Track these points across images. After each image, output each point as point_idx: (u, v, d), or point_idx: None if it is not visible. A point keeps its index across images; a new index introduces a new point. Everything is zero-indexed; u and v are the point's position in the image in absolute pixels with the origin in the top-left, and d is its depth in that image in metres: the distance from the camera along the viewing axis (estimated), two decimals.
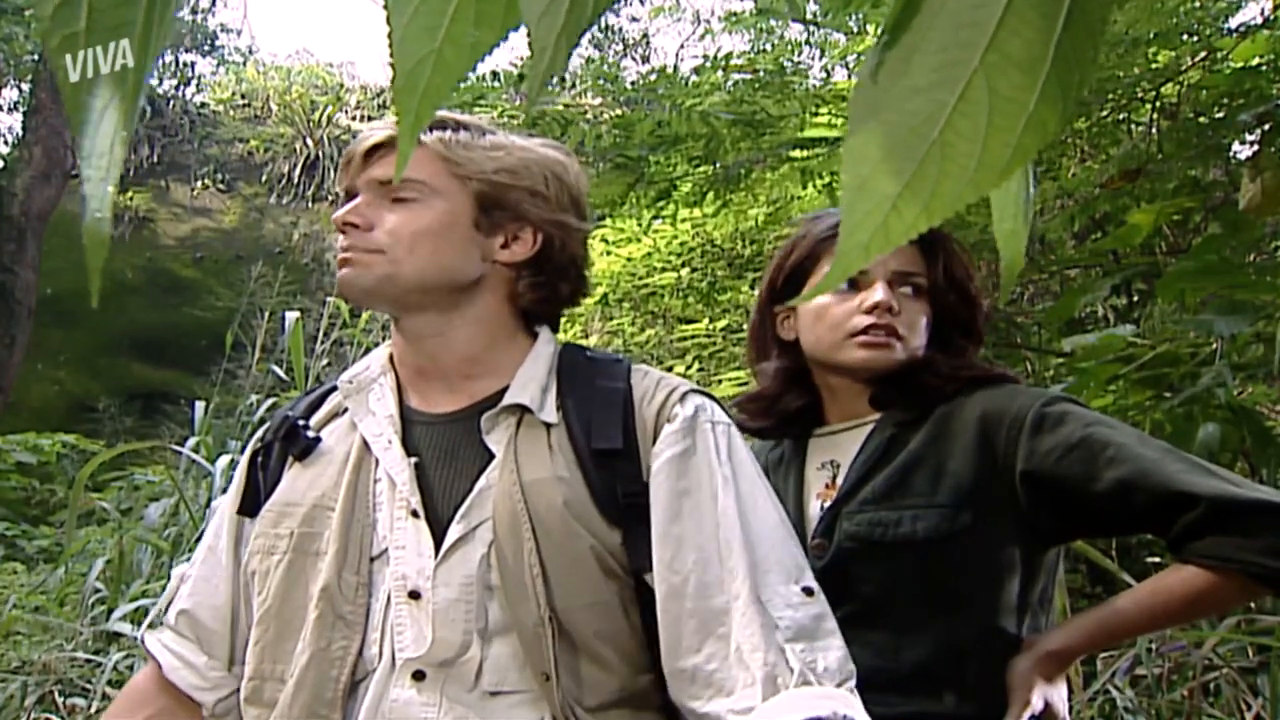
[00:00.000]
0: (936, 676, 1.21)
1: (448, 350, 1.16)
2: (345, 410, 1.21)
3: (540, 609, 1.03)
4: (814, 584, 1.06)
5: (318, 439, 1.19)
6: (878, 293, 1.30)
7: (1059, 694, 1.20)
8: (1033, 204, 0.41)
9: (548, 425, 1.11)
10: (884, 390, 1.34)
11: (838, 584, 1.25)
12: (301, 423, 1.21)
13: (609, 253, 4.98)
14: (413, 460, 1.13)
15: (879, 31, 0.34)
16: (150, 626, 1.22)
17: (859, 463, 1.31)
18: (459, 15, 0.34)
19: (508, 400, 1.12)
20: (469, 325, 1.16)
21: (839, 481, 1.32)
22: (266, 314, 7.42)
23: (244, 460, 1.26)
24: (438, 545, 1.08)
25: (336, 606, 1.08)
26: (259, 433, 1.28)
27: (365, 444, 1.15)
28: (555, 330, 1.24)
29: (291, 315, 3.79)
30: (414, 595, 1.07)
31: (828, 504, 1.31)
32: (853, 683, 1.02)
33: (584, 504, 1.07)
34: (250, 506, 1.21)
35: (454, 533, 1.08)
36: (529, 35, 0.35)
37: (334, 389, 1.24)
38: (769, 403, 1.41)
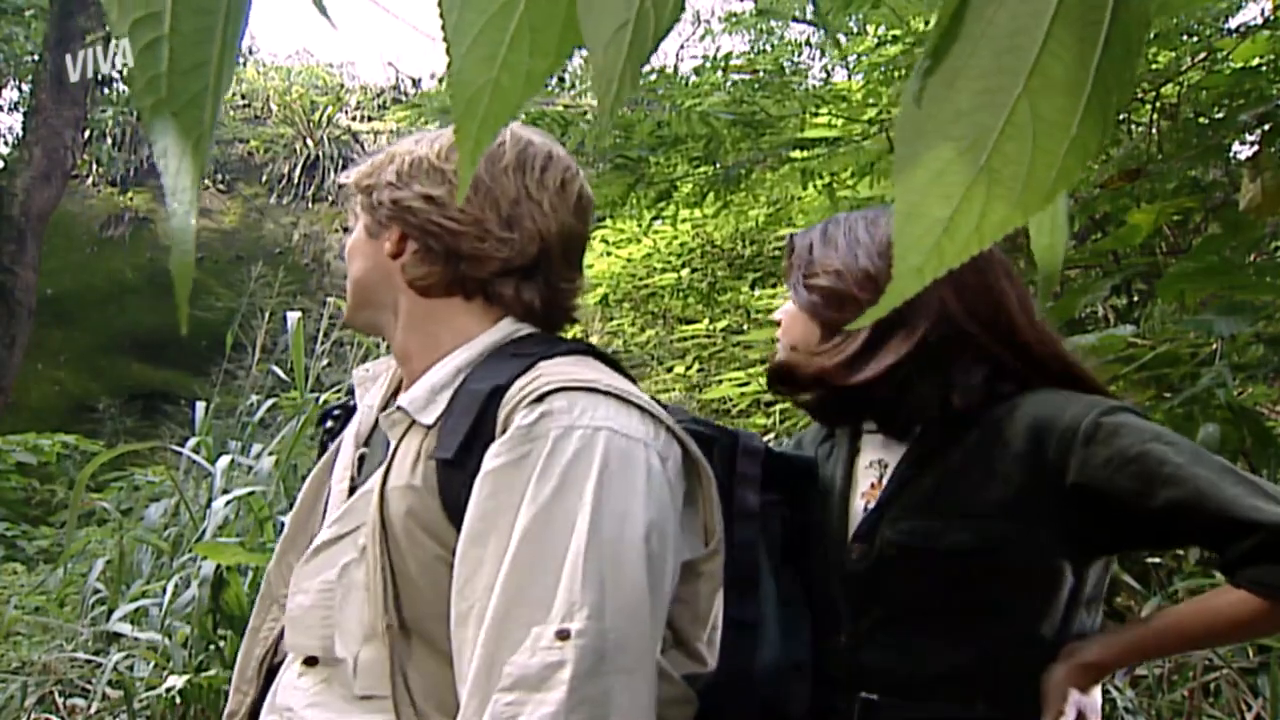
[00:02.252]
0: (969, 683, 1.19)
1: (401, 351, 1.16)
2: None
3: (387, 617, 1.01)
4: (579, 626, 0.91)
5: (332, 428, 1.25)
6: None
7: (1093, 705, 1.18)
8: (1072, 224, 0.41)
9: (428, 429, 1.07)
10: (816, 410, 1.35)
11: (875, 588, 1.24)
12: (336, 411, 1.27)
13: (609, 253, 4.98)
14: (360, 452, 1.16)
15: (921, 57, 0.35)
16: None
17: (904, 466, 1.27)
18: (515, 44, 0.35)
19: (399, 400, 1.10)
20: (421, 330, 1.14)
21: (884, 482, 1.29)
22: (267, 314, 7.42)
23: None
24: None
25: (273, 589, 1.14)
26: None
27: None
28: (559, 328, 1.18)
29: (292, 315, 3.78)
30: None
31: (871, 505, 1.28)
32: None
33: (432, 513, 1.02)
34: None
35: (322, 535, 1.09)
36: (594, 64, 0.36)
37: None
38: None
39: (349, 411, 1.25)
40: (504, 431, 1.00)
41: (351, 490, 1.13)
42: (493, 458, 0.99)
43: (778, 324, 1.40)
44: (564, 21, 0.35)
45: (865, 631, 1.24)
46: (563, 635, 0.90)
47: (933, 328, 1.25)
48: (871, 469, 1.31)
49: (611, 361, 1.14)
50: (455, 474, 1.01)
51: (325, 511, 1.15)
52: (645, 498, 0.98)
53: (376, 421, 1.18)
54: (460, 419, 1.03)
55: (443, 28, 0.35)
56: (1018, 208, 0.35)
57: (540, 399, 1.00)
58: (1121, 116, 3.21)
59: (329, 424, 1.29)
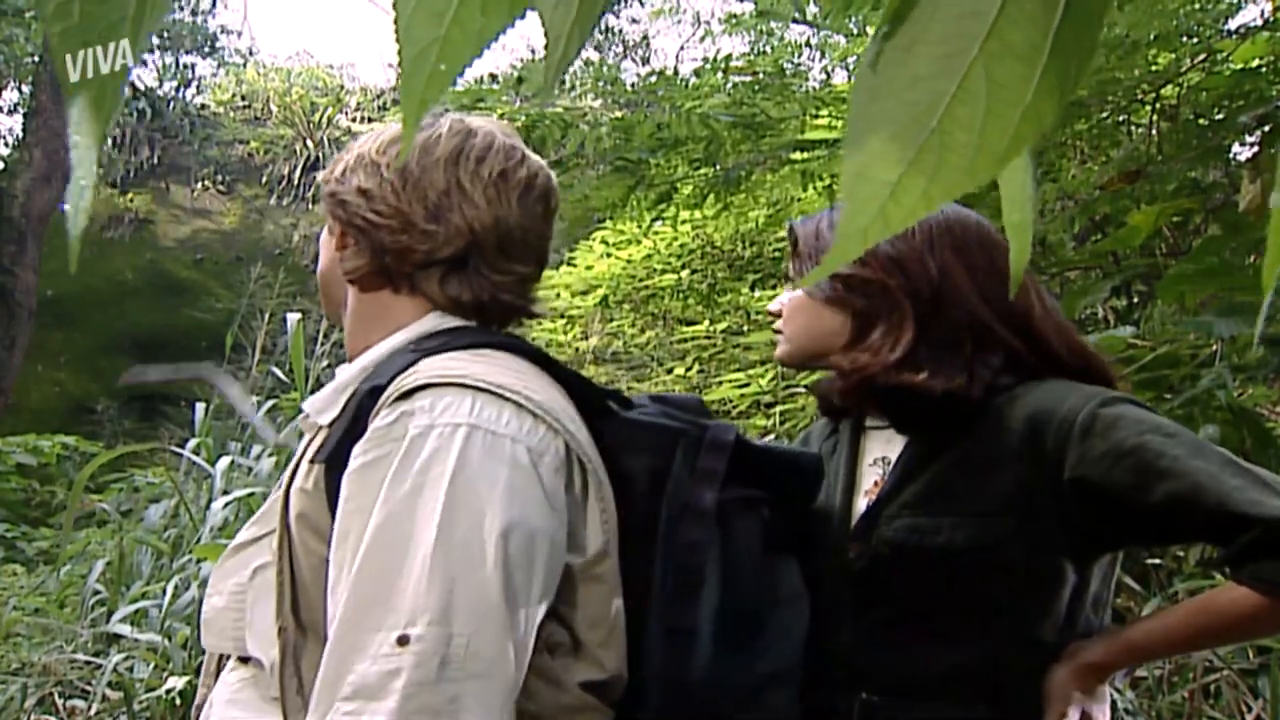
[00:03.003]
0: (970, 684, 1.17)
1: (347, 343, 1.18)
2: None
3: (280, 619, 1.01)
4: (419, 631, 0.87)
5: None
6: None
7: (1099, 706, 1.16)
8: (1038, 199, 0.41)
9: (328, 429, 1.06)
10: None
11: (873, 588, 1.22)
12: None
13: (609, 255, 4.98)
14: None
15: (879, 21, 0.35)
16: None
17: (901, 464, 1.24)
18: (465, 2, 0.35)
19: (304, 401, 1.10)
20: (353, 329, 1.15)
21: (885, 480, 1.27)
22: (266, 315, 7.42)
23: None
24: None
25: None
26: None
27: None
28: (490, 316, 1.14)
29: (292, 317, 3.78)
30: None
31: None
32: None
33: (321, 515, 1.00)
34: None
35: (240, 536, 1.10)
36: (543, 23, 0.35)
37: None
38: (824, 380, 1.37)
39: None
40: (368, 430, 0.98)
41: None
42: (354, 459, 0.96)
43: (774, 315, 1.35)
44: None
45: (865, 632, 1.22)
46: (403, 641, 0.87)
47: (964, 317, 1.22)
48: (875, 467, 1.29)
49: (536, 355, 1.10)
50: (335, 476, 0.98)
51: None
52: (506, 495, 0.93)
53: None
54: (341, 420, 1.01)
55: None
56: (968, 173, 0.34)
57: (403, 397, 0.96)
58: (1121, 118, 3.21)
59: None
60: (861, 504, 1.27)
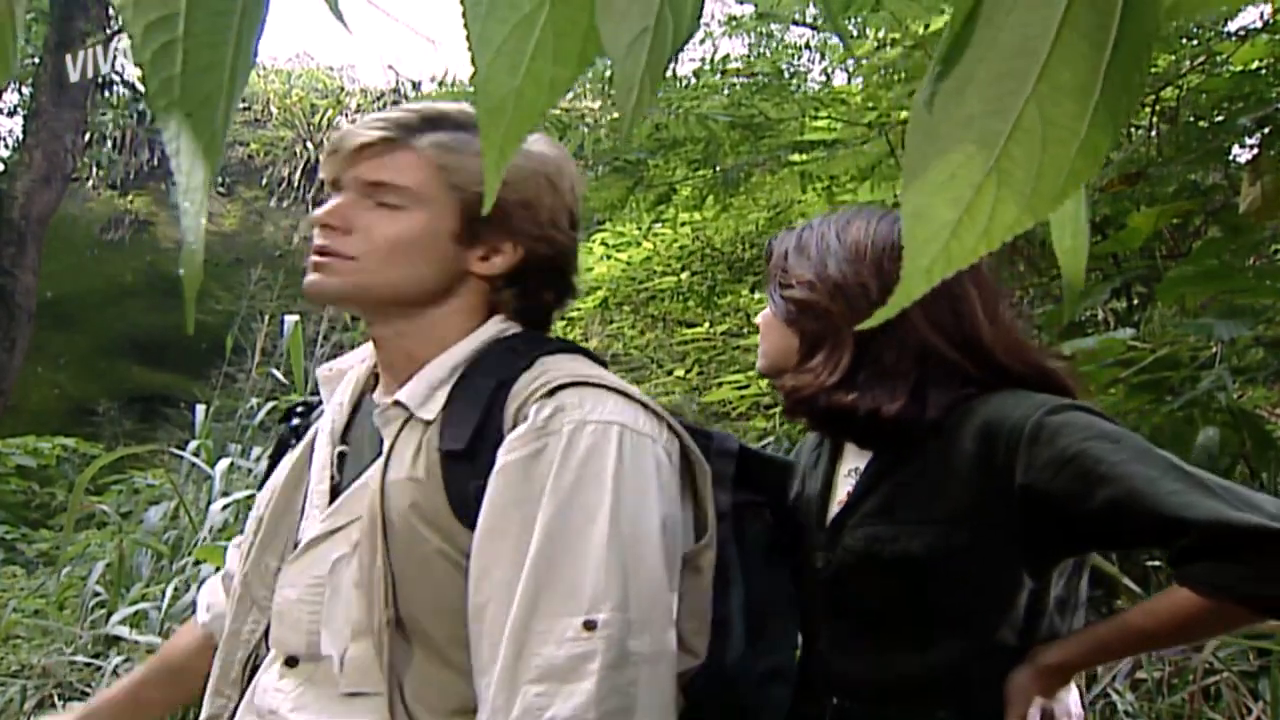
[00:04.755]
0: (933, 691, 1.19)
1: (399, 349, 1.14)
2: None
3: (384, 612, 1.01)
4: (605, 617, 0.93)
5: (298, 425, 1.22)
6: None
7: (1062, 708, 1.17)
8: (1089, 221, 0.42)
9: (427, 423, 1.07)
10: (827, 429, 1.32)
11: (838, 597, 1.25)
12: (299, 409, 1.24)
13: (609, 256, 4.98)
14: (339, 449, 1.14)
15: (933, 63, 0.35)
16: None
17: (866, 474, 1.27)
18: (539, 53, 0.36)
19: (395, 396, 1.09)
20: (425, 330, 1.12)
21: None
22: (266, 317, 7.43)
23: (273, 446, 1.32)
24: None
25: (252, 590, 1.12)
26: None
27: (320, 432, 1.19)
28: (544, 329, 1.19)
29: (291, 319, 3.79)
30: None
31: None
32: None
33: (436, 506, 1.02)
34: None
35: (311, 530, 1.09)
36: (615, 72, 0.36)
37: None
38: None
39: (312, 409, 1.24)
40: (514, 426, 1.01)
41: (334, 489, 1.12)
42: (507, 452, 0.99)
43: (758, 328, 1.38)
44: (586, 29, 0.35)
45: (836, 638, 1.26)
46: (589, 626, 0.92)
47: (907, 339, 1.24)
48: (849, 477, 1.31)
49: (599, 360, 1.15)
50: (462, 466, 1.01)
51: (304, 510, 1.14)
52: (658, 491, 1.00)
53: (351, 418, 1.17)
54: (466, 412, 1.04)
55: (467, 37, 0.35)
56: (1027, 210, 0.35)
57: (551, 394, 1.01)
58: None
59: (295, 422, 1.27)
60: (834, 512, 1.30)
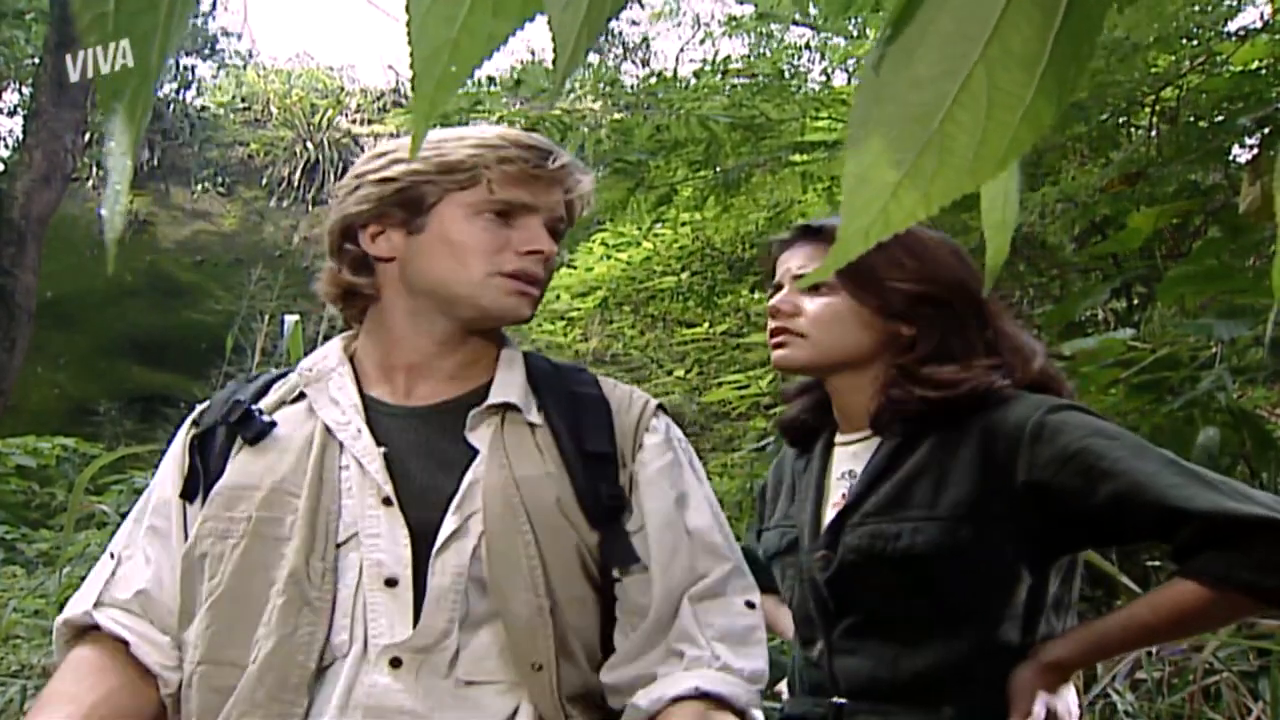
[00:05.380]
0: (936, 688, 1.20)
1: (450, 351, 1.19)
2: (299, 397, 1.21)
3: (540, 599, 1.07)
4: (756, 599, 1.13)
5: (272, 423, 1.18)
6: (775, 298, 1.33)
7: (1064, 704, 1.18)
8: (1019, 197, 0.42)
9: (532, 425, 1.15)
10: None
11: (841, 595, 1.26)
12: (254, 407, 1.20)
13: (609, 256, 4.98)
14: (382, 449, 1.14)
15: (882, 26, 0.35)
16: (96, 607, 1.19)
17: (865, 474, 1.29)
18: (477, 5, 0.35)
19: (495, 399, 1.15)
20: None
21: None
22: (266, 317, 7.43)
23: (180, 444, 1.27)
24: (414, 534, 1.10)
25: (304, 592, 1.08)
26: (193, 416, 1.28)
27: (328, 431, 1.16)
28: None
29: (291, 318, 3.78)
30: (390, 583, 1.08)
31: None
32: (760, 687, 1.09)
33: (571, 503, 1.11)
34: (191, 490, 1.21)
35: (449, 524, 1.10)
36: (551, 27, 0.36)
37: (280, 376, 1.25)
38: (787, 413, 1.44)
39: (244, 415, 1.18)
40: (634, 435, 1.18)
41: (397, 487, 1.12)
42: (658, 456, 1.17)
43: (787, 314, 1.33)
44: None
45: (837, 638, 1.26)
46: (750, 605, 1.12)
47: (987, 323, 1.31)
48: (843, 480, 1.33)
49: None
50: (597, 466, 1.14)
51: (340, 511, 1.11)
52: None
53: (369, 419, 1.16)
54: (593, 417, 1.18)
55: None
56: (967, 175, 0.35)
57: (656, 412, 1.21)
58: (1121, 120, 3.21)
59: (233, 419, 1.20)
60: (830, 515, 1.31)
